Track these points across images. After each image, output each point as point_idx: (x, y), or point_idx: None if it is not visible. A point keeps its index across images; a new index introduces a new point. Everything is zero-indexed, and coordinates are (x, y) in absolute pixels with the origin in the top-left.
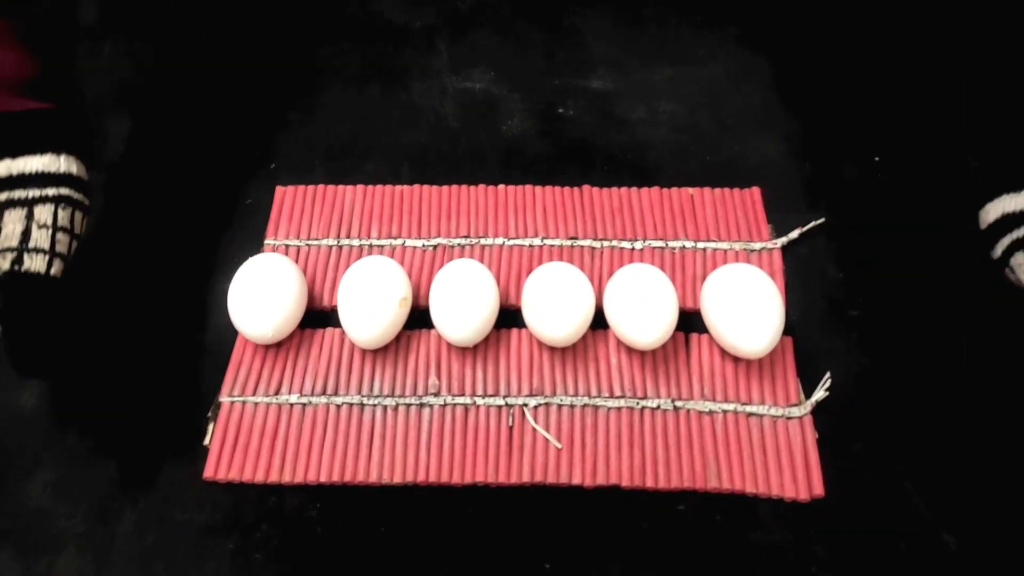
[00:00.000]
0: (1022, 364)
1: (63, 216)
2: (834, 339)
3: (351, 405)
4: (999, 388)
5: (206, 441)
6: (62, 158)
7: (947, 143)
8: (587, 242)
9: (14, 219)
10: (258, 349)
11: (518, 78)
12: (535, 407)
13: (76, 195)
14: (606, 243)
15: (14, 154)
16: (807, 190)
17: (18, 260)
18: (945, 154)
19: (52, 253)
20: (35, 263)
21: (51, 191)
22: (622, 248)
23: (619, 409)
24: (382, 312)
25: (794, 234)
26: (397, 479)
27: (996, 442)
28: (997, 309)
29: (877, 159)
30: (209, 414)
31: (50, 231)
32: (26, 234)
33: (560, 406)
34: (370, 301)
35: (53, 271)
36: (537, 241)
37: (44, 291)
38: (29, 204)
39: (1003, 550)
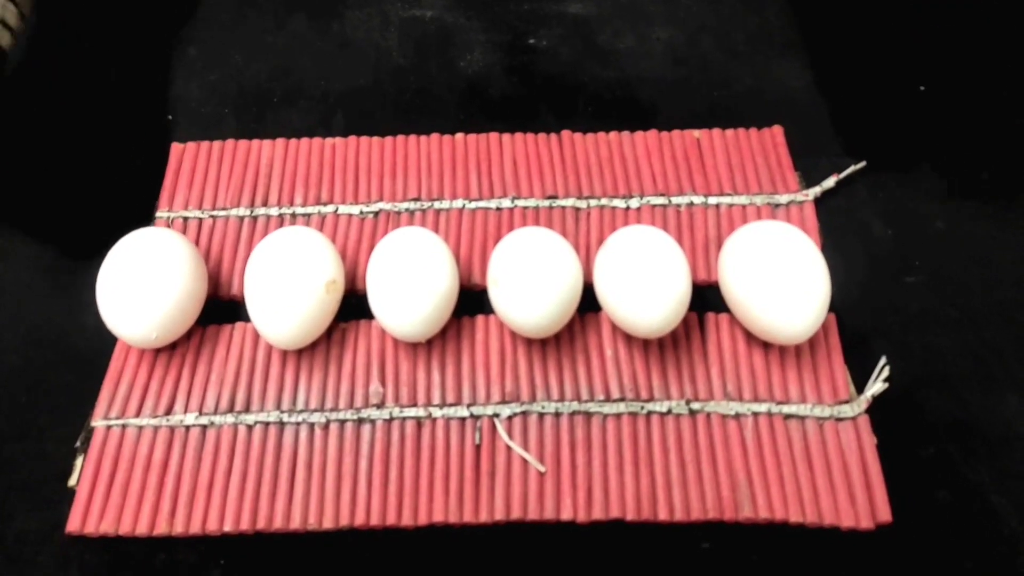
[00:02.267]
0: None
1: None
2: (887, 314)
3: (267, 424)
4: None
5: (72, 481)
6: None
7: (1006, 65)
8: (569, 201)
9: None
10: (144, 355)
11: (478, 3)
12: (509, 418)
13: None
14: (593, 202)
15: None
16: (840, 129)
17: None
18: (1005, 80)
19: (3, 24)
20: None
21: None
22: (614, 207)
23: (619, 416)
24: (303, 300)
25: (829, 182)
26: (328, 524)
27: None
28: None
29: (923, 88)
30: (77, 444)
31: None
32: None
33: (542, 415)
34: (287, 286)
35: (4, 43)
36: (507, 202)
37: None
38: None
39: None
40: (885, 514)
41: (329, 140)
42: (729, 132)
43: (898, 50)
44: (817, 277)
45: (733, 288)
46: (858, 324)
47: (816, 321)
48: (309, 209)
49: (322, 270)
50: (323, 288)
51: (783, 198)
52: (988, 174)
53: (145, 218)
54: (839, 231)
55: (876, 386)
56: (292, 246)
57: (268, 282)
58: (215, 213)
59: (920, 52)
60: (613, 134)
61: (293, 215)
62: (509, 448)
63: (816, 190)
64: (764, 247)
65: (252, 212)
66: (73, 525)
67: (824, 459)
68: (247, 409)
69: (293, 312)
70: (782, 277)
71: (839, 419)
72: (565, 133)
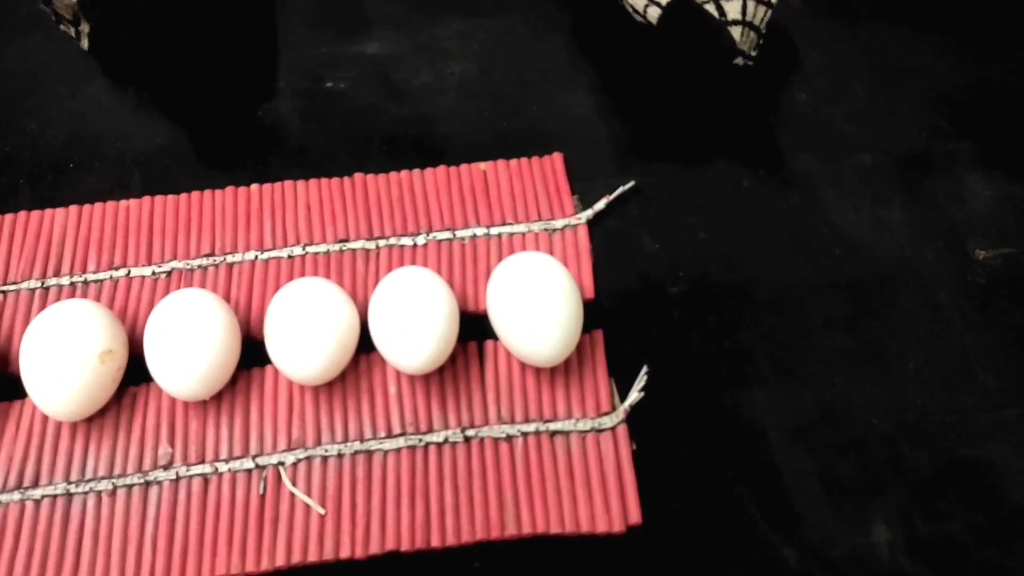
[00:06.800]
0: (865, 354)
1: None
2: (652, 323)
3: (55, 497)
4: (842, 371)
5: None
6: None
7: (774, 84)
8: (360, 244)
9: None
10: None
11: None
12: (294, 464)
13: None
14: (382, 242)
15: None
16: (617, 151)
17: None
18: (762, 96)
19: None
20: None
21: None
22: (402, 246)
23: (398, 451)
24: (79, 373)
25: (600, 204)
26: None
27: (840, 435)
28: (841, 286)
29: (690, 106)
30: None
31: None
32: None
33: (325, 458)
34: (62, 361)
35: None
36: (298, 250)
37: None
38: None
39: (849, 565)
40: (635, 517)
41: (123, 202)
42: (513, 162)
43: (669, 76)
44: (568, 303)
45: (495, 317)
46: (625, 336)
47: (566, 345)
48: (101, 275)
49: (96, 341)
50: (97, 359)
51: (559, 223)
52: (748, 182)
53: None
54: (612, 248)
55: (634, 396)
56: (64, 320)
57: (43, 358)
58: (5, 288)
59: (688, 78)
60: (404, 173)
61: (85, 282)
62: (293, 494)
63: (589, 213)
64: (519, 279)
65: (43, 283)
66: None
67: (584, 470)
68: (35, 484)
69: (68, 384)
70: (533, 306)
71: (599, 431)
72: (357, 176)
